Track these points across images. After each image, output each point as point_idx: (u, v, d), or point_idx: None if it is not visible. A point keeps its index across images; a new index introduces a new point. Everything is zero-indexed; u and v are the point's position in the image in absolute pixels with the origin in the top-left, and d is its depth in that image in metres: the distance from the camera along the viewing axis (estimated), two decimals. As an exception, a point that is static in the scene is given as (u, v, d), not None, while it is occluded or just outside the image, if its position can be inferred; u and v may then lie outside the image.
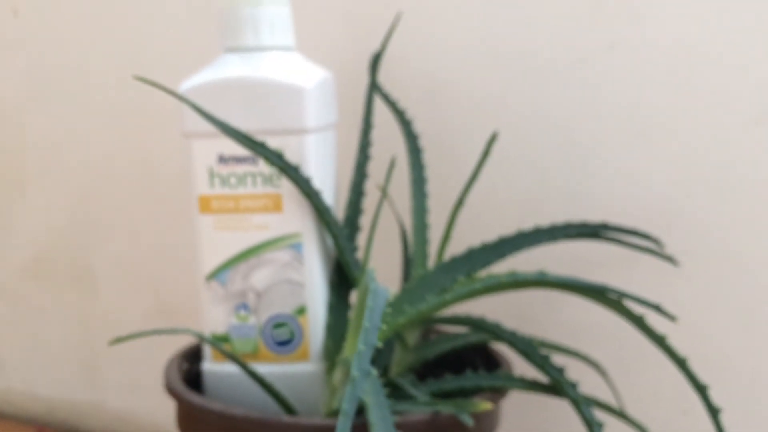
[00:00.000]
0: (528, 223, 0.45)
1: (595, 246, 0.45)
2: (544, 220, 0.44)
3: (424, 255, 0.41)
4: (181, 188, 0.57)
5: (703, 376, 0.34)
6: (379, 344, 0.24)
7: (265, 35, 0.37)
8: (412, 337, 0.40)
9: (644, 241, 0.43)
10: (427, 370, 0.41)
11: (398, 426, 0.29)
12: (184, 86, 0.37)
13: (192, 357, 0.41)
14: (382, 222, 0.43)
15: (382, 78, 0.46)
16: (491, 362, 0.41)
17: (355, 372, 0.23)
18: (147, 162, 0.58)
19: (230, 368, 0.38)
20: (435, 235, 0.43)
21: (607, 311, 0.45)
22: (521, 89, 0.47)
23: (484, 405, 0.31)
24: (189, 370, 0.40)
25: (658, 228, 0.44)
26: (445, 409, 0.31)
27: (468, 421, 0.30)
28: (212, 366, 0.38)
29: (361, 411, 0.33)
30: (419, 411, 0.32)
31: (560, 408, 0.47)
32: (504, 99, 0.47)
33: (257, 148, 0.34)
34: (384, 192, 0.37)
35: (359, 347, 0.23)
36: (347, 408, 0.22)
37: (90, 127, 0.59)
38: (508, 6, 0.46)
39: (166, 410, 0.61)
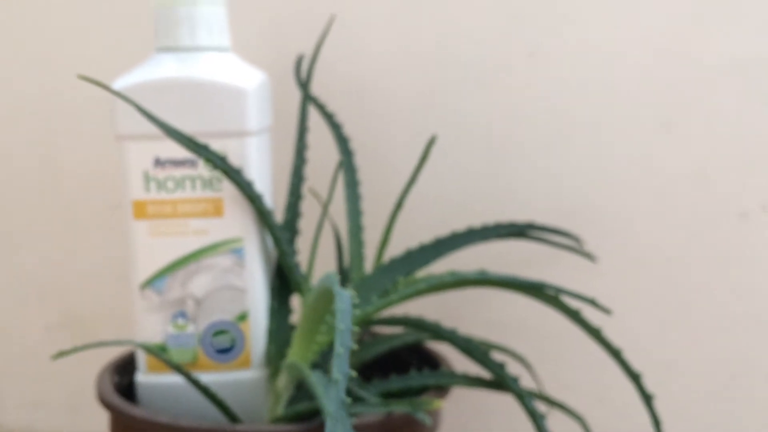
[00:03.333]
0: (453, 225, 0.46)
1: (515, 245, 0.46)
2: (470, 222, 0.46)
3: (360, 257, 0.41)
4: (91, 192, 0.55)
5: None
6: (354, 346, 0.24)
7: (202, 35, 0.36)
8: (351, 340, 0.40)
9: (566, 239, 0.45)
10: (361, 372, 0.41)
11: (355, 427, 0.29)
12: (117, 86, 0.35)
13: (120, 370, 0.39)
14: (312, 225, 0.43)
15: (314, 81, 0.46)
16: (426, 361, 0.41)
17: (336, 374, 0.23)
18: (53, 165, 0.55)
19: (166, 379, 0.37)
20: (368, 237, 0.43)
21: (527, 308, 0.47)
22: (445, 93, 0.48)
23: (437, 403, 0.31)
24: (119, 383, 0.38)
25: (576, 227, 0.46)
26: (401, 408, 0.31)
27: (426, 419, 0.31)
28: (147, 377, 0.37)
29: (313, 414, 0.33)
30: (374, 411, 0.32)
31: (486, 403, 0.48)
32: (428, 103, 0.48)
33: (201, 151, 0.33)
34: (329, 196, 0.37)
35: (337, 350, 0.23)
36: (334, 411, 0.22)
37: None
38: (432, 12, 0.47)
39: (71, 427, 0.58)
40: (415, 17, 0.47)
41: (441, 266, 0.44)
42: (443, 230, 0.47)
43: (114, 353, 0.56)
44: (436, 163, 0.48)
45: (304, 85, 0.41)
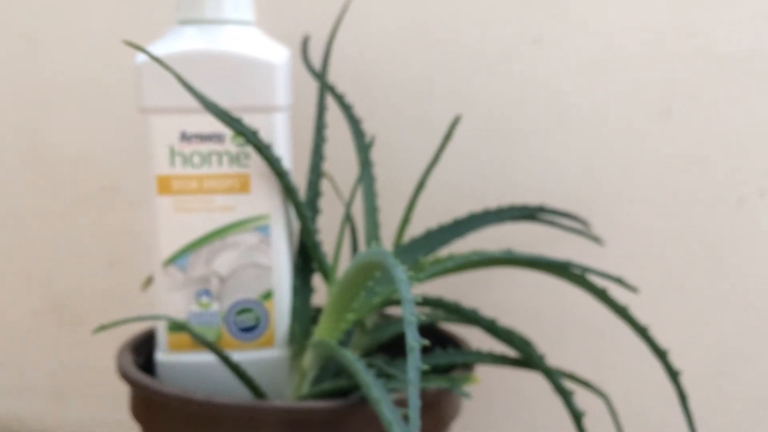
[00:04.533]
0: (454, 210, 0.46)
1: (512, 229, 0.47)
2: (470, 207, 0.46)
3: (376, 238, 0.41)
4: (81, 173, 0.53)
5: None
6: (422, 317, 0.24)
7: (228, 7, 0.35)
8: (370, 320, 0.40)
9: (574, 222, 0.45)
10: (371, 353, 0.41)
11: (394, 403, 0.29)
12: (142, 57, 0.34)
13: (135, 349, 0.38)
14: (325, 207, 0.43)
15: (314, 61, 0.46)
16: (441, 342, 0.42)
17: (412, 342, 0.23)
18: (41, 145, 0.53)
19: (187, 358, 0.36)
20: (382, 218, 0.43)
21: (526, 292, 0.48)
22: (448, 79, 0.48)
23: (475, 378, 0.32)
24: (135, 362, 0.37)
25: (577, 211, 0.47)
26: (439, 384, 0.31)
27: (467, 395, 0.31)
28: (167, 356, 0.36)
29: (338, 393, 0.33)
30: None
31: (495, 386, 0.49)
32: (432, 89, 0.48)
33: (235, 125, 0.33)
34: (360, 174, 0.36)
35: (408, 319, 0.23)
36: (413, 377, 0.22)
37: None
38: (437, -3, 0.47)
39: (57, 414, 0.57)
40: (421, 3, 0.47)
41: (448, 250, 0.44)
42: (444, 215, 0.47)
43: (103, 339, 0.55)
44: (437, 146, 0.48)
45: (323, 63, 0.41)
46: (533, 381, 0.47)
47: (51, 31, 0.51)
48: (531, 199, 0.47)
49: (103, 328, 0.29)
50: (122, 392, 0.56)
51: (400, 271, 0.25)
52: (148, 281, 0.43)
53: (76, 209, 0.54)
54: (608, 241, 0.47)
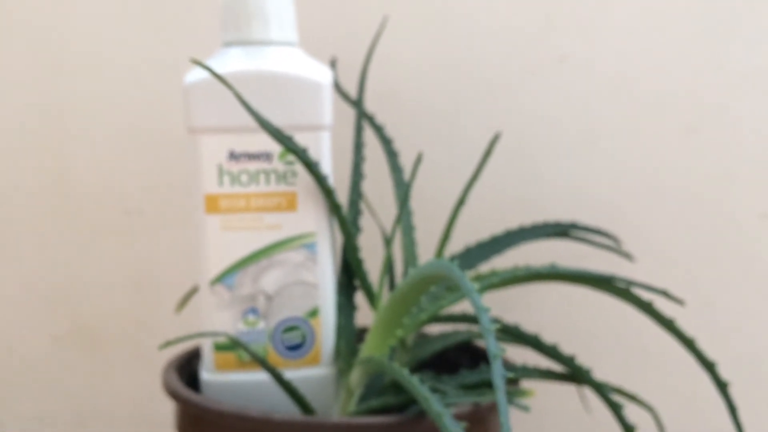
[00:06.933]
0: (481, 227, 0.47)
1: (541, 245, 0.48)
2: (496, 224, 0.47)
3: (413, 256, 0.41)
4: (103, 197, 0.53)
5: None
6: (497, 325, 0.24)
7: (273, 29, 0.36)
8: (411, 338, 0.40)
9: (605, 239, 0.46)
10: (412, 371, 0.41)
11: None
12: (191, 78, 0.35)
13: (178, 369, 0.38)
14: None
15: (344, 84, 0.46)
16: (477, 359, 0.42)
17: (494, 350, 0.23)
18: (62, 168, 0.53)
19: (233, 377, 0.36)
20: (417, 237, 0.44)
21: (551, 309, 0.48)
22: (474, 99, 0.49)
23: (531, 391, 0.32)
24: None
25: (603, 227, 0.47)
26: (494, 398, 0.32)
27: (525, 407, 0.31)
28: (213, 375, 0.36)
29: (386, 410, 0.33)
30: (467, 401, 0.32)
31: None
32: (457, 109, 0.49)
33: (287, 142, 0.33)
34: (406, 192, 0.37)
35: (487, 328, 0.23)
36: (498, 384, 0.22)
37: None
38: (461, 18, 0.48)
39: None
40: (447, 23, 0.48)
41: (489, 265, 0.44)
42: (474, 232, 0.47)
43: (124, 365, 0.55)
44: (465, 164, 0.48)
45: (357, 96, 0.41)
46: (558, 397, 0.47)
47: (74, 57, 0.52)
48: (558, 216, 0.47)
49: (168, 344, 0.29)
50: (143, 418, 0.55)
51: (469, 282, 0.25)
52: (184, 301, 0.42)
53: (98, 233, 0.54)
54: (636, 256, 0.47)
